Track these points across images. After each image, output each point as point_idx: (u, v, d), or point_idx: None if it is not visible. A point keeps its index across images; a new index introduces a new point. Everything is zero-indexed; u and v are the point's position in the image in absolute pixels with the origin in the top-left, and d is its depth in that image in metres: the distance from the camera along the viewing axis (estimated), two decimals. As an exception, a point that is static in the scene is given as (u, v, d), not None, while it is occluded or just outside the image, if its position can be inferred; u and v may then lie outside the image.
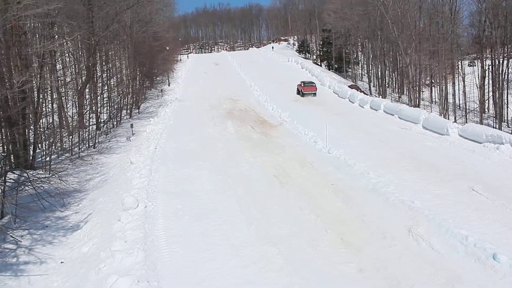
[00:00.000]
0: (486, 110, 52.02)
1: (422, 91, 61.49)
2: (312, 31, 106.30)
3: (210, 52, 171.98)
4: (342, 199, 18.22)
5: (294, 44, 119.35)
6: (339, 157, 23.32)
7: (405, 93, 62.79)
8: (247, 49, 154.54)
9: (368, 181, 19.64)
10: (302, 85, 48.54)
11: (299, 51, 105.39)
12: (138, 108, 47.28)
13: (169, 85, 64.17)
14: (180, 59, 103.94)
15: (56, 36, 32.88)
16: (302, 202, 18.02)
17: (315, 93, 47.54)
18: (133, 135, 34.59)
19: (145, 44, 54.01)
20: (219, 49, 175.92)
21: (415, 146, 25.85)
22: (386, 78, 68.96)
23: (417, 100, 52.36)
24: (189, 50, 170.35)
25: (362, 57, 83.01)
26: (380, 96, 58.84)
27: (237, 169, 23.29)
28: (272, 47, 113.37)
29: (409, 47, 51.46)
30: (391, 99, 57.10)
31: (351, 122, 34.31)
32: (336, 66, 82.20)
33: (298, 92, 48.78)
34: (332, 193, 18.90)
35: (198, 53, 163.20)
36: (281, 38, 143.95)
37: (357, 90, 51.51)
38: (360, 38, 76.04)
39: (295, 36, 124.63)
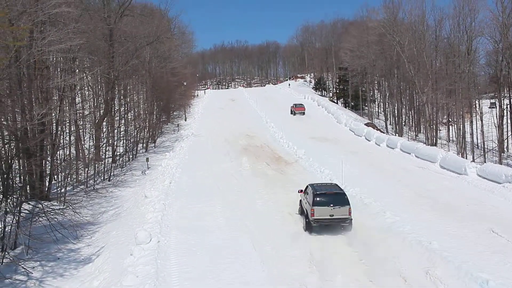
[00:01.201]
0: (505, 149, 51.32)
1: (439, 130, 61.10)
2: (328, 69, 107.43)
3: (227, 88, 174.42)
4: (358, 239, 17.97)
5: (310, 82, 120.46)
6: (355, 196, 23.07)
7: (422, 131, 62.41)
8: (264, 85, 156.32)
9: (384, 220, 19.33)
10: (294, 106, 63.87)
11: (316, 88, 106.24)
12: (154, 142, 47.68)
13: (185, 120, 64.81)
14: (197, 95, 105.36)
15: (77, 70, 33.74)
16: (316, 243, 17.76)
17: (304, 112, 61.78)
18: (148, 169, 34.71)
19: (163, 79, 55.06)
20: (236, 85, 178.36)
21: (432, 185, 25.47)
22: (403, 116, 68.84)
23: (434, 138, 51.99)
24: (206, 86, 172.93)
25: (379, 95, 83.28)
26: (397, 134, 58.57)
27: (251, 205, 23.13)
28: (289, 84, 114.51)
29: (425, 86, 51.54)
30: (408, 138, 56.76)
31: (367, 160, 34.10)
32: (352, 103, 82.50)
33: (291, 112, 63.32)
34: (349, 232, 18.64)
35: (215, 89, 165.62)
36: (298, 75, 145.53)
37: (374, 128, 51.40)
38: (376, 76, 76.54)
39: (312, 74, 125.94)
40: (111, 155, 36.07)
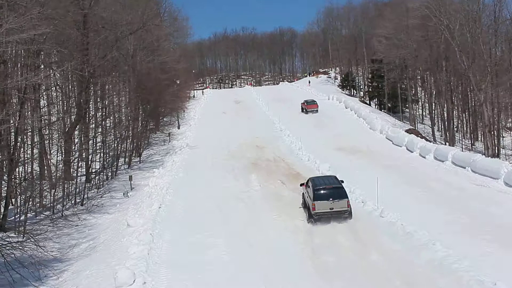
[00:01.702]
0: None
1: (503, 137, 60.50)
2: (358, 62, 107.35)
3: (231, 87, 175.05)
4: (400, 278, 17.66)
5: (336, 78, 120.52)
6: (395, 223, 22.94)
7: (479, 139, 61.84)
8: (277, 83, 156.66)
9: (434, 254, 19.11)
10: (305, 103, 69.65)
11: (342, 86, 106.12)
12: (140, 156, 47.74)
13: (178, 128, 64.92)
14: (194, 96, 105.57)
15: (42, 66, 33.84)
16: (352, 283, 17.58)
17: (317, 110, 67.56)
18: (131, 190, 34.69)
19: (151, 77, 55.17)
20: (242, 84, 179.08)
21: (495, 208, 25.10)
22: (454, 120, 68.36)
23: (496, 148, 51.45)
24: (204, 85, 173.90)
25: (423, 93, 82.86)
26: (447, 143, 58.10)
27: (262, 236, 23.07)
28: (309, 82, 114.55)
29: (483, 81, 51.09)
30: (462, 147, 56.31)
31: (409, 176, 33.86)
32: (389, 105, 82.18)
33: (302, 110, 69.44)
34: (387, 271, 18.37)
35: (216, 88, 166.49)
36: (320, 70, 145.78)
37: (417, 136, 51.06)
38: (419, 70, 76.22)
39: (337, 68, 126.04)
40: (84, 173, 36.00)
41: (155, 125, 61.64)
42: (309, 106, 68.71)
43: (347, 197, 24.74)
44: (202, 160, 43.69)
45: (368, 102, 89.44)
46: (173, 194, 32.32)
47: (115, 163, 41.53)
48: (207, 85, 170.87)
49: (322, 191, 24.80)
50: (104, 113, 44.36)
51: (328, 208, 24.41)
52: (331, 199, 24.52)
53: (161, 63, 65.24)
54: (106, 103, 46.04)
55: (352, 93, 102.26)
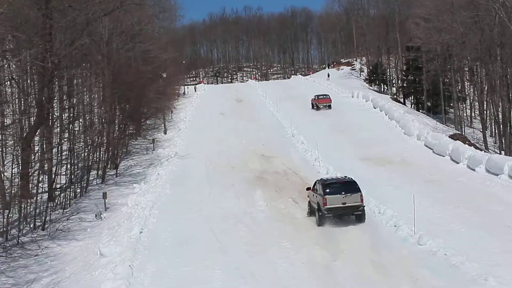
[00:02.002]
0: None
1: None
2: (390, 50, 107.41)
3: (231, 81, 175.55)
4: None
5: (361, 70, 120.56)
6: (436, 252, 22.81)
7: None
8: (288, 77, 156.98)
9: (486, 292, 18.99)
10: (316, 98, 73.27)
11: (370, 80, 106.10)
12: (116, 168, 47.68)
13: (165, 133, 64.94)
14: (184, 92, 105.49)
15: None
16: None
17: (330, 105, 71.67)
18: (106, 210, 34.56)
19: (130, 69, 55.21)
20: (245, 77, 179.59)
21: None
22: None
23: None
24: (198, 79, 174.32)
25: (471, 89, 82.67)
26: (503, 152, 57.79)
27: (269, 270, 22.99)
28: (328, 75, 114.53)
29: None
30: (521, 158, 55.99)
31: (454, 194, 33.63)
32: (428, 104, 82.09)
33: (313, 106, 73.24)
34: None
35: (212, 83, 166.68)
36: (342, 60, 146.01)
37: (464, 143, 50.79)
38: (467, 60, 75.96)
39: (363, 58, 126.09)
40: (47, 189, 35.90)
41: (136, 129, 61.60)
42: (320, 101, 72.33)
43: (361, 191, 27.96)
44: (194, 173, 43.67)
45: (402, 100, 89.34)
46: (158, 215, 32.19)
47: (86, 177, 41.39)
48: (201, 80, 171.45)
49: (333, 185, 28.33)
50: (72, 114, 44.33)
51: (340, 203, 27.48)
52: (343, 193, 27.81)
53: (143, 51, 65.29)
54: (75, 101, 46.04)
55: (382, 89, 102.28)
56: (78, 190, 39.69)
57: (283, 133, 58.01)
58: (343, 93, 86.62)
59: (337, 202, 27.48)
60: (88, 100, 49.11)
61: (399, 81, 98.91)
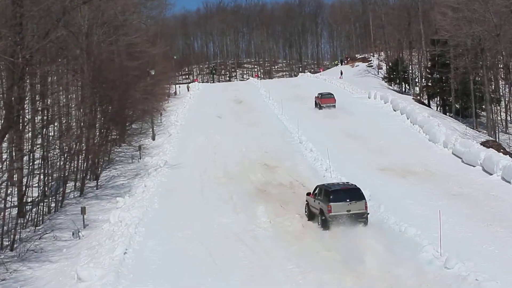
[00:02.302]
0: None
1: None
2: (412, 44, 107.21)
3: (229, 80, 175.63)
4: None
5: (379, 67, 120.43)
6: (466, 277, 22.76)
7: None
8: (295, 75, 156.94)
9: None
10: (320, 97, 77.04)
11: (389, 79, 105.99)
12: (97, 179, 47.62)
13: (153, 139, 64.95)
14: (176, 92, 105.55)
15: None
16: None
17: (335, 105, 74.79)
18: (85, 227, 34.48)
19: (113, 66, 55.09)
20: (245, 75, 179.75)
21: None
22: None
23: None
24: (191, 77, 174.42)
25: (507, 89, 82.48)
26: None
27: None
28: (341, 72, 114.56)
29: None
30: None
31: (487, 210, 33.59)
32: (457, 106, 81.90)
33: (316, 105, 77.06)
34: None
35: (208, 81, 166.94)
36: (357, 56, 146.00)
37: (498, 151, 50.55)
38: (501, 55, 75.86)
39: (382, 53, 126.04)
40: (16, 203, 35.80)
41: (120, 134, 61.50)
42: (324, 100, 75.81)
43: (365, 199, 31.56)
44: (187, 185, 43.69)
45: (426, 102, 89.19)
46: (144, 233, 32.09)
47: (61, 189, 41.35)
48: (195, 78, 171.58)
49: (338, 193, 31.64)
50: (45, 117, 44.24)
51: (345, 210, 30.86)
52: (348, 200, 31.14)
53: (128, 45, 65.26)
54: (49, 102, 45.92)
55: (403, 89, 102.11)
56: (53, 205, 39.61)
57: (289, 139, 57.94)
58: (358, 93, 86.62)
59: (342, 210, 30.78)
60: (64, 101, 49.06)
61: (423, 79, 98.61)
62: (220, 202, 38.13)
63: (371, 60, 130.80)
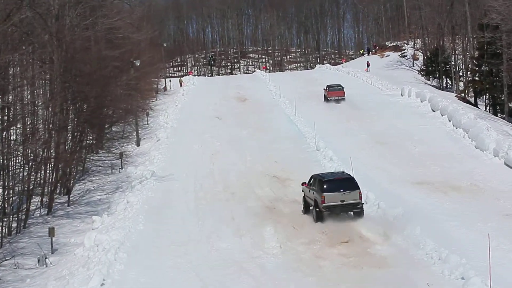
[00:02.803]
0: None
1: None
2: (455, 30, 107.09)
3: (231, 72, 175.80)
4: None
5: (415, 58, 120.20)
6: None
7: None
8: (311, 67, 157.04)
9: None
10: (328, 89, 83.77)
11: (427, 72, 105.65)
12: (68, 193, 47.55)
13: (138, 144, 65.14)
14: (166, 88, 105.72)
15: None
16: None
17: (344, 98, 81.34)
18: (53, 253, 34.44)
19: (90, 55, 55.15)
20: (250, 67, 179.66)
21: None
22: None
23: None
24: (184, 69, 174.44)
25: None
26: None
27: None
28: (367, 64, 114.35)
29: None
30: None
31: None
32: (510, 105, 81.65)
33: (325, 98, 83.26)
34: None
35: (205, 74, 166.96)
36: (387, 44, 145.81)
37: None
38: None
39: (418, 40, 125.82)
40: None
41: (97, 139, 61.57)
42: (331, 93, 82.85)
43: (359, 188, 36.69)
44: (178, 202, 43.76)
45: (472, 100, 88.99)
46: (126, 261, 31.97)
47: (25, 206, 41.32)
48: (189, 70, 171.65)
49: (331, 183, 36.83)
50: (6, 118, 44.30)
51: (339, 200, 36.00)
52: (341, 190, 36.27)
53: (108, 30, 65.19)
54: (11, 99, 45.93)
55: (445, 85, 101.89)
56: (14, 224, 39.57)
57: (304, 146, 58.03)
58: (388, 89, 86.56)
59: (336, 200, 35.90)
60: (29, 97, 49.03)
61: (469, 73, 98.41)
62: (219, 223, 38.01)
63: (404, 49, 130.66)
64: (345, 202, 35.88)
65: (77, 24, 56.25)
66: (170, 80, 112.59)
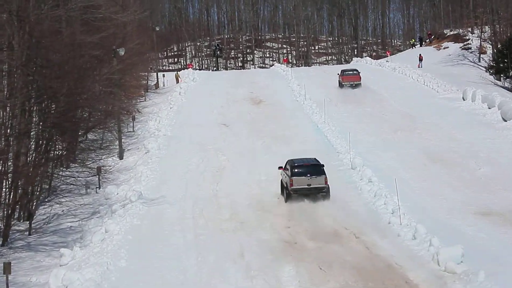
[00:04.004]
0: None
1: None
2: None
3: (242, 66, 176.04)
4: None
5: (482, 51, 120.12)
6: None
7: None
8: (346, 60, 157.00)
9: None
10: (342, 74, 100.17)
11: (498, 69, 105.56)
12: (30, 219, 47.65)
13: (121, 157, 65.42)
14: (157, 85, 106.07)
15: None
16: None
17: (360, 83, 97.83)
18: (10, 296, 34.56)
19: (61, 41, 55.33)
20: (268, 59, 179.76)
21: None
22: None
23: None
24: (183, 61, 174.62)
25: None
26: None
27: None
28: (420, 58, 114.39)
29: None
30: None
31: None
32: None
33: (339, 85, 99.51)
34: None
35: (209, 68, 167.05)
36: (445, 32, 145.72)
37: None
38: None
39: (485, 28, 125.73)
40: None
41: (68, 149, 61.67)
42: (345, 78, 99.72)
43: (325, 174, 49.19)
44: (173, 232, 43.81)
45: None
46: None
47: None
48: (188, 62, 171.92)
49: (300, 168, 49.59)
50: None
51: (305, 184, 48.70)
52: (308, 175, 48.97)
53: (84, 9, 65.35)
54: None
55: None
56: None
57: (335, 163, 58.26)
58: (447, 91, 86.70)
59: (303, 184, 48.71)
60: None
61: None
62: (224, 260, 37.94)
63: (468, 40, 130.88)
64: (311, 186, 48.69)
65: (45, 1, 56.45)
66: (163, 75, 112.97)
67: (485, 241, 38.03)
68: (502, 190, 49.57)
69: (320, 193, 48.61)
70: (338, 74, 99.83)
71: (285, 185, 49.81)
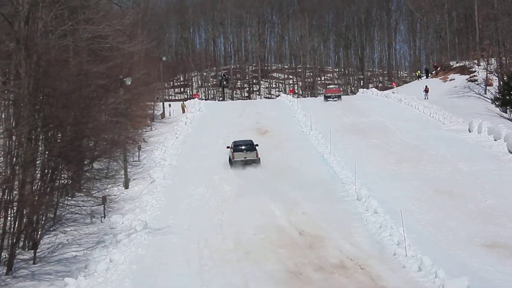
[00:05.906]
0: None
1: None
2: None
3: (248, 96, 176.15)
4: None
5: (489, 83, 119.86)
6: None
7: None
8: (352, 91, 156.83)
9: None
10: (325, 87, 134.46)
11: (504, 101, 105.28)
12: (35, 248, 47.52)
13: (126, 187, 65.47)
14: (163, 114, 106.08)
15: None
16: None
17: (340, 96, 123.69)
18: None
19: (67, 70, 55.26)
20: (274, 90, 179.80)
21: None
22: None
23: None
24: (189, 90, 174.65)
25: None
26: None
27: None
28: (426, 90, 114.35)
29: None
30: None
31: None
32: None
33: (325, 98, 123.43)
34: None
35: (215, 98, 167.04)
36: (451, 64, 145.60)
37: None
38: None
39: (491, 60, 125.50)
40: None
41: (74, 178, 61.60)
42: (328, 91, 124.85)
43: (256, 150, 72.74)
44: (177, 262, 43.64)
45: None
46: None
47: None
48: (194, 92, 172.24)
49: (239, 146, 73.70)
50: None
51: (243, 157, 72.06)
52: (245, 151, 72.91)
53: (91, 38, 65.44)
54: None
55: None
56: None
57: (341, 194, 58.02)
58: (453, 123, 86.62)
59: (241, 157, 71.86)
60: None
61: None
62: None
63: (474, 71, 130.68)
64: (247, 158, 71.72)
65: (53, 29, 56.44)
66: (169, 105, 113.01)
67: (491, 274, 37.96)
68: (508, 222, 49.48)
69: (254, 163, 71.05)
70: (324, 90, 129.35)
71: (230, 158, 73.41)
